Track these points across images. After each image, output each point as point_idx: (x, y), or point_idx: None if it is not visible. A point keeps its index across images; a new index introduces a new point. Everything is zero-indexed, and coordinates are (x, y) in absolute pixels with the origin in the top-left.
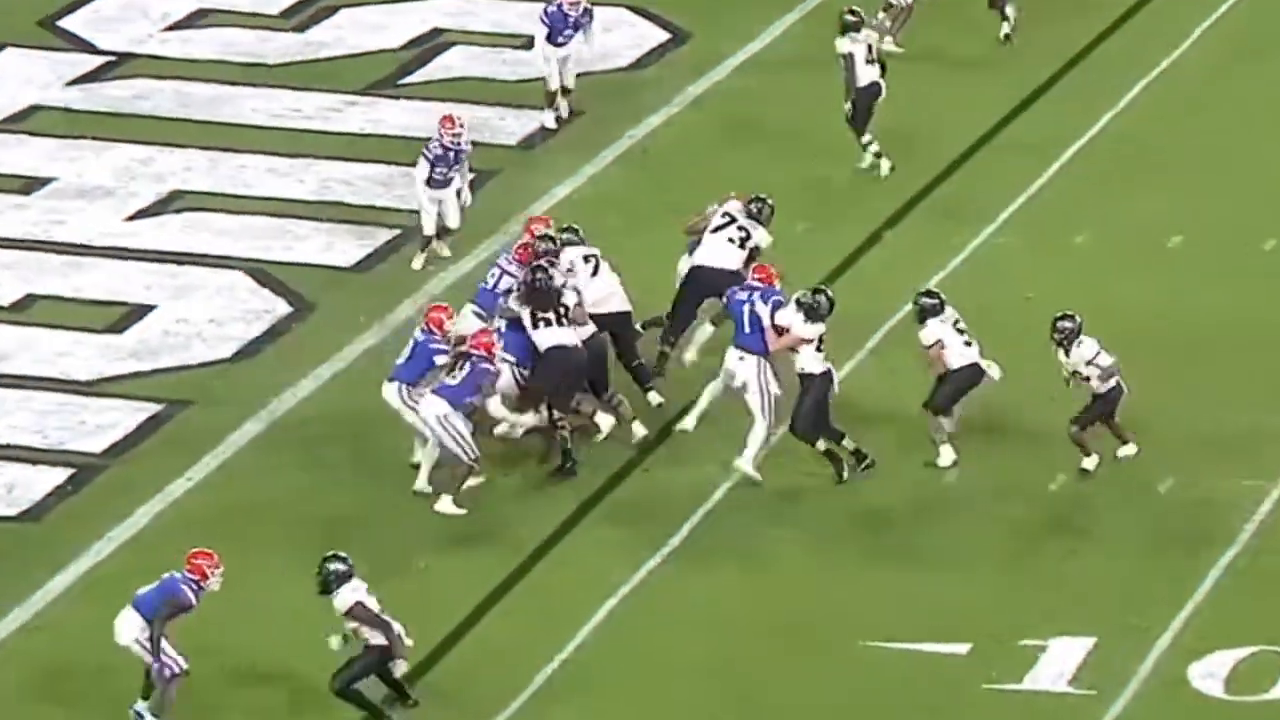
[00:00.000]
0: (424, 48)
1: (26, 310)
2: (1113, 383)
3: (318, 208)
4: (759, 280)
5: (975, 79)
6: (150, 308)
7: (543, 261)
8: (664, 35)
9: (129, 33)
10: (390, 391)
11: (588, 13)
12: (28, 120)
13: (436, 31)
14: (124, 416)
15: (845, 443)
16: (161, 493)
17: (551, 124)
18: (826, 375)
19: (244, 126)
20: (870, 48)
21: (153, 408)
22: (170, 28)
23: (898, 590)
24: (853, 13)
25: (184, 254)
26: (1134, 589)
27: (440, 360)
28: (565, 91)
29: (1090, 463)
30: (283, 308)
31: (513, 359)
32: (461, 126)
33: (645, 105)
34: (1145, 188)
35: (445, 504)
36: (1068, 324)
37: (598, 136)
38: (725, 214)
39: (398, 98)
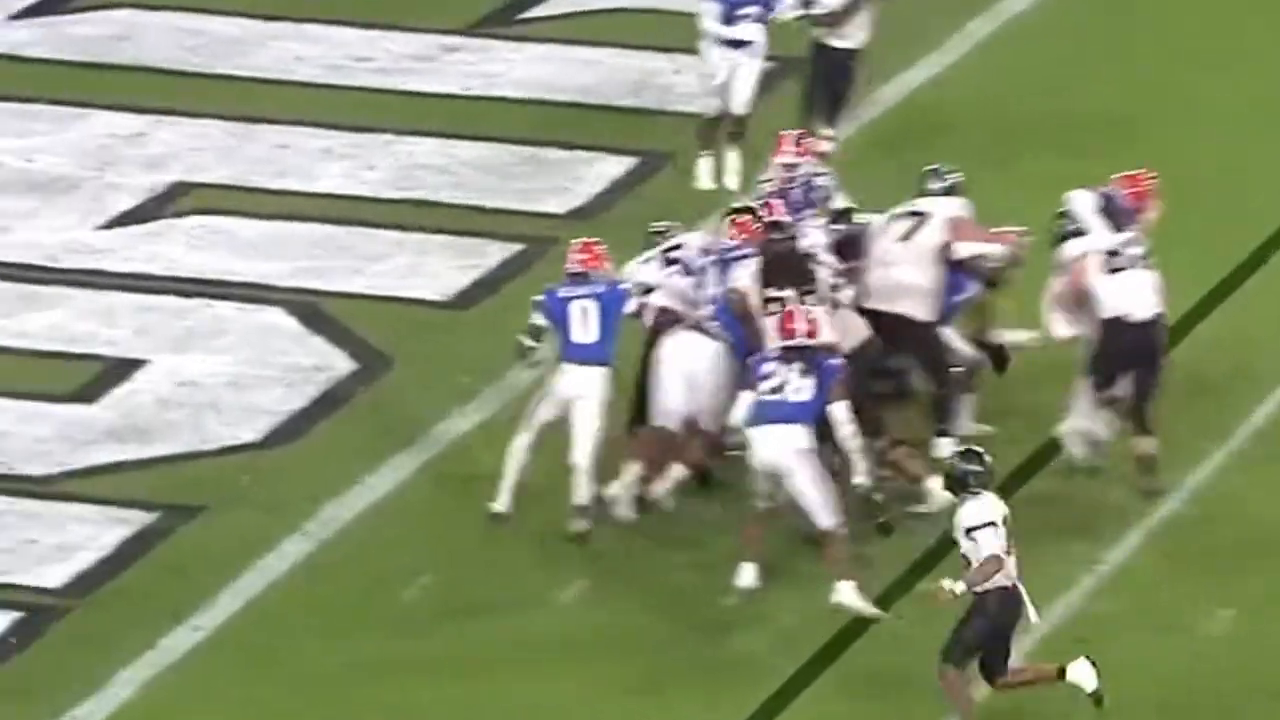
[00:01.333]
0: None
1: None
2: None
3: (396, 210)
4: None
5: None
6: (139, 363)
7: (782, 219)
8: None
9: None
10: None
11: None
12: None
13: None
14: (96, 532)
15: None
16: (154, 650)
17: (708, 181)
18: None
19: (278, 83)
20: None
21: (140, 518)
22: None
23: None
24: None
25: (189, 280)
26: None
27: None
28: (735, 128)
29: None
30: (342, 363)
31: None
32: (803, 150)
33: (892, 59)
34: None
35: (847, 594)
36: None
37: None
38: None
39: (520, 39)
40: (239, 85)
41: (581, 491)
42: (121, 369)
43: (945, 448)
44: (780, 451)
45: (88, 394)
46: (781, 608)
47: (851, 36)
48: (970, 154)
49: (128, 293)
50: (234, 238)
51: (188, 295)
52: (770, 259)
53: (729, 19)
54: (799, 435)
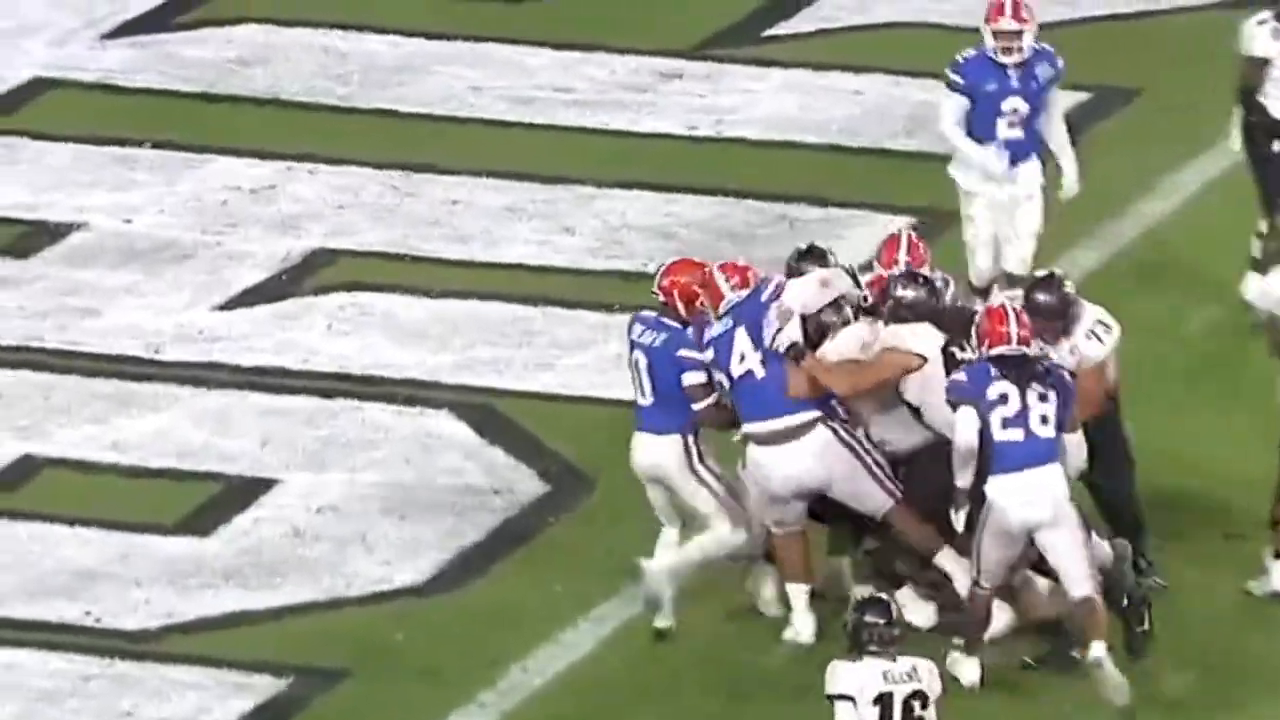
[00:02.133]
0: None
1: (21, 488)
2: None
3: (600, 285)
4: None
5: None
6: (266, 484)
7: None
8: None
9: None
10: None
11: (1045, 57)
12: (26, 107)
13: None
14: (210, 702)
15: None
16: None
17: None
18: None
19: (449, 121)
20: None
21: (267, 686)
22: None
23: None
24: None
25: (331, 376)
26: None
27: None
28: (1010, 284)
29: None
30: (528, 484)
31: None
32: (908, 253)
33: None
34: None
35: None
36: None
37: (1182, 118)
38: None
39: (762, 63)
40: (398, 123)
41: (652, 586)
42: (243, 491)
43: None
44: (1041, 505)
45: (200, 524)
46: None
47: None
48: None
49: (253, 392)
50: (389, 320)
51: (329, 395)
52: (922, 316)
53: (990, 122)
54: (1058, 480)
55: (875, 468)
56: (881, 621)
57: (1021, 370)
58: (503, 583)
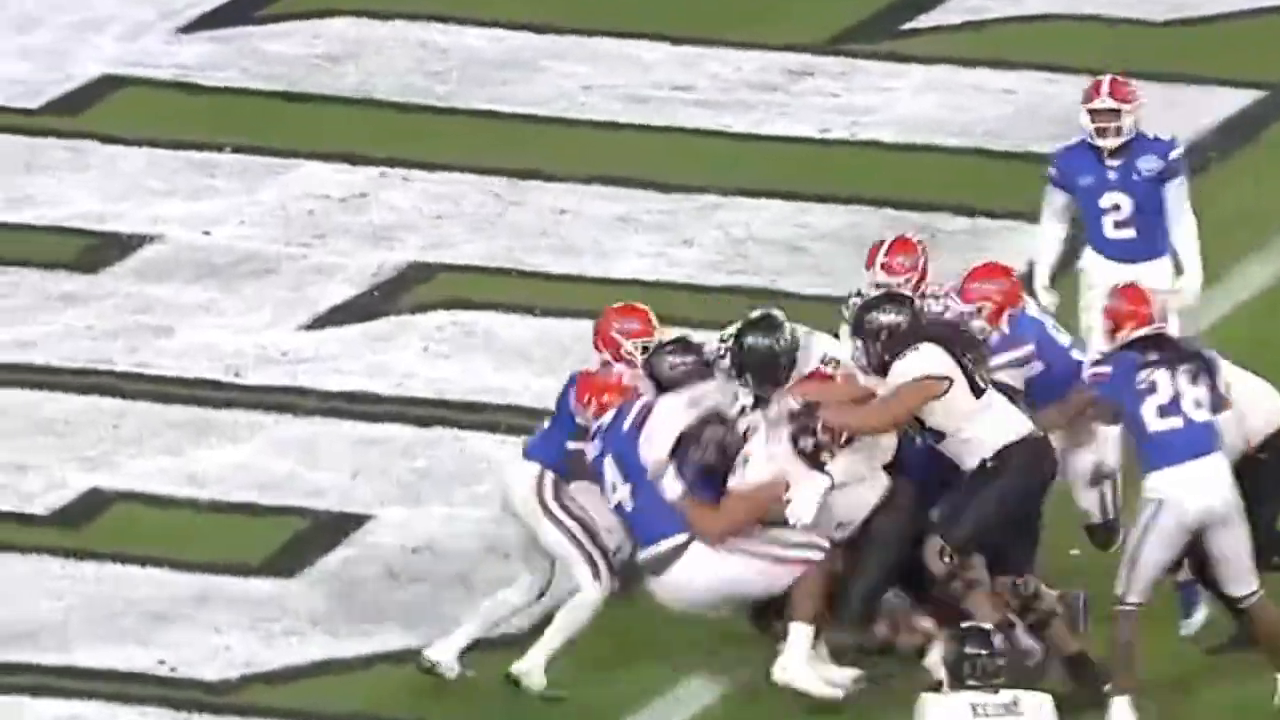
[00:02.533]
0: None
1: (88, 525)
2: None
3: (723, 303)
4: None
5: None
6: (357, 520)
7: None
8: None
9: None
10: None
11: (1153, 147)
12: (96, 107)
13: None
14: None
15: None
16: None
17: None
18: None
19: (558, 123)
20: None
21: None
22: None
23: None
24: None
25: (428, 402)
26: None
27: None
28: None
29: None
30: None
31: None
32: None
33: None
34: None
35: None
36: None
37: None
38: None
39: (902, 59)
40: (501, 125)
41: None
42: (332, 528)
43: None
44: (1215, 494)
45: (284, 564)
46: None
47: None
48: None
49: (342, 419)
50: (491, 341)
51: (426, 423)
52: (909, 337)
53: (1095, 222)
54: (1225, 470)
55: (770, 551)
56: (983, 652)
57: (1167, 352)
58: (613, 630)
